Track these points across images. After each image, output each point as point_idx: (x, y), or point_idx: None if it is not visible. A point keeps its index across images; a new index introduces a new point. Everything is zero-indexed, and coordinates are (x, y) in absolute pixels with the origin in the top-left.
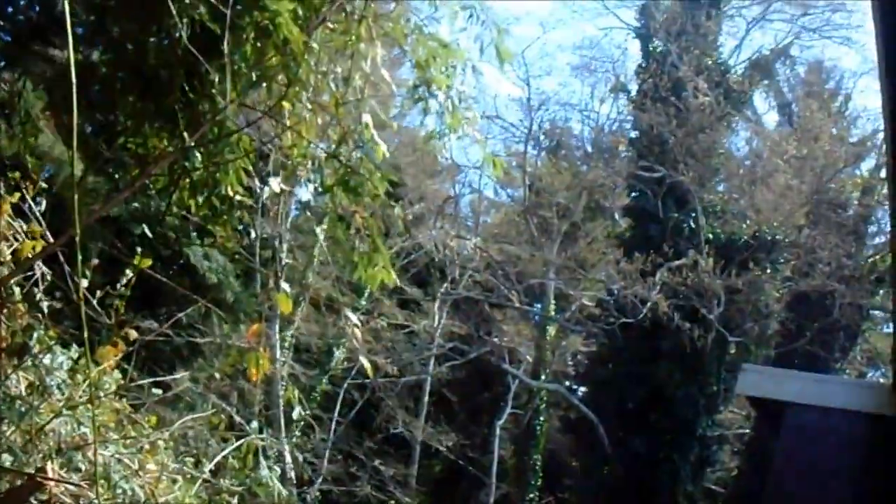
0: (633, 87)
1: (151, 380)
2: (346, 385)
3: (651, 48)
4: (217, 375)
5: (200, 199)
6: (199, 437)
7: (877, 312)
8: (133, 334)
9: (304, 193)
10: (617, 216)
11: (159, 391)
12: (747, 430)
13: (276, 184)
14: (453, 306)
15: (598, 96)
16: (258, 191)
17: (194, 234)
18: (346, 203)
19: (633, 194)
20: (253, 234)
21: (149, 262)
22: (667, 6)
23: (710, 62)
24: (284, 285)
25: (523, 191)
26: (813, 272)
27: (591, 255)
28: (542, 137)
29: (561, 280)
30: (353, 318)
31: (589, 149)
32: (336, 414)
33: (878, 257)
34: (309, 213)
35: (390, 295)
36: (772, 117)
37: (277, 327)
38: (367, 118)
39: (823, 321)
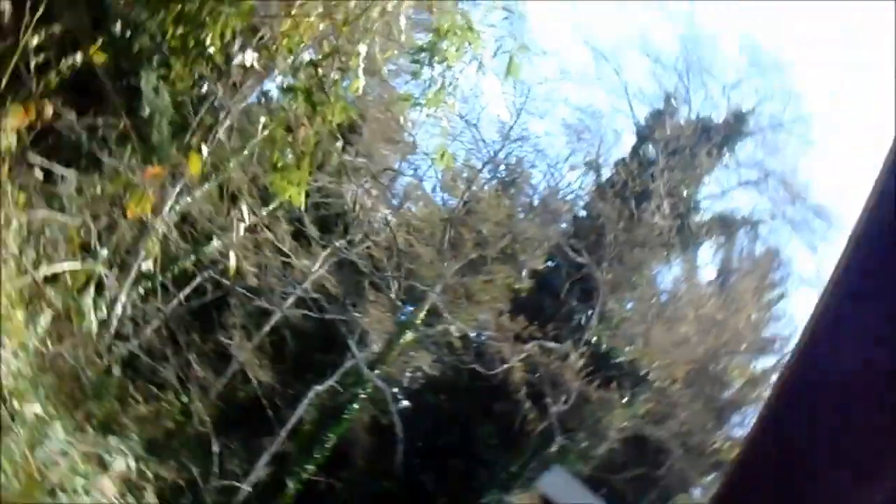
0: (606, 173)
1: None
2: (206, 274)
3: (642, 149)
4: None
5: (181, 30)
6: (52, 241)
7: (697, 492)
8: (49, 111)
9: (272, 86)
10: (524, 274)
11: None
12: None
13: (250, 57)
14: (338, 264)
15: (571, 162)
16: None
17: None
18: (300, 112)
19: (549, 263)
20: (203, 90)
21: (104, 57)
22: (679, 121)
23: (684, 192)
24: (204, 148)
25: (457, 203)
26: (662, 425)
27: (481, 294)
28: (501, 167)
29: (444, 298)
30: (246, 212)
31: (535, 202)
32: (183, 296)
33: (724, 446)
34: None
35: (291, 221)
36: (707, 273)
37: (178, 188)
38: (363, 49)
39: (648, 470)
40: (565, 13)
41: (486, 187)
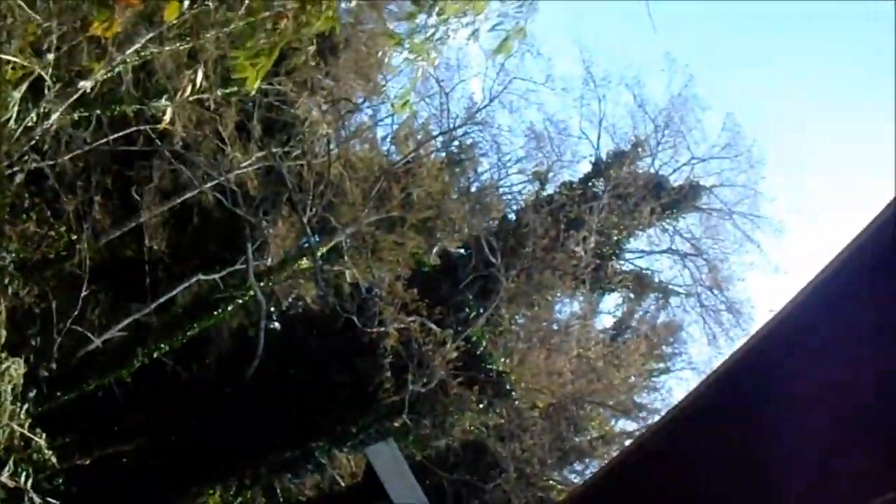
0: (549, 189)
1: None
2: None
3: (592, 181)
4: None
5: None
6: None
7: None
8: None
9: None
10: (434, 251)
11: None
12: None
13: None
14: (267, 170)
15: (521, 165)
16: None
17: None
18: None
19: (461, 251)
20: None
21: None
22: (637, 169)
23: (614, 237)
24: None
25: (400, 159)
26: (505, 443)
27: (388, 253)
28: (455, 143)
29: (351, 241)
30: (201, 77)
31: (472, 188)
32: (112, 137)
33: (556, 487)
34: None
35: (239, 112)
36: (604, 321)
37: (150, 35)
38: None
39: (474, 481)
40: (571, 25)
41: (433, 156)
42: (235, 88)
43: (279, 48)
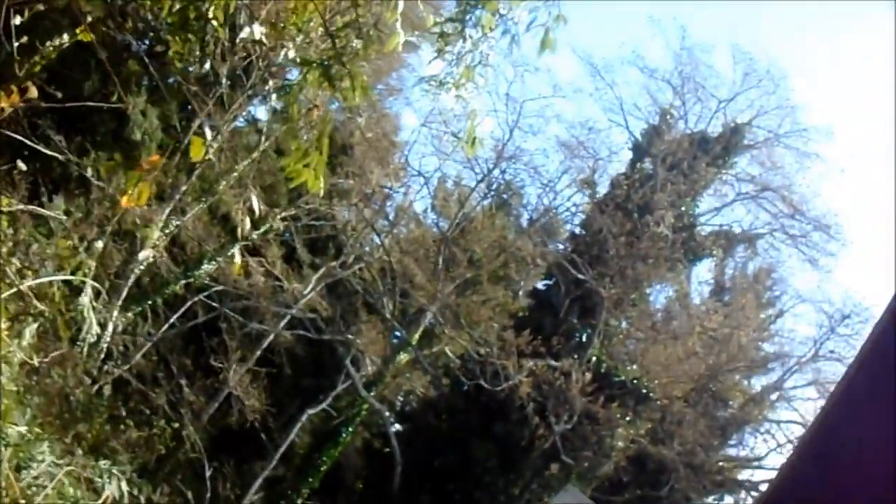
0: (602, 190)
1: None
2: (197, 298)
3: (640, 164)
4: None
5: (178, 4)
6: (41, 252)
7: None
8: (33, 92)
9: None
10: (521, 294)
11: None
12: None
13: (258, 31)
14: (330, 287)
15: (565, 179)
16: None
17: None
18: (311, 93)
19: (546, 282)
20: (206, 67)
21: (90, 37)
22: (675, 134)
23: (683, 207)
24: (208, 131)
25: (451, 222)
26: (665, 443)
27: (479, 313)
28: (494, 187)
29: (440, 318)
30: (256, 203)
31: (528, 220)
32: (174, 319)
33: (728, 465)
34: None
35: (281, 245)
36: (699, 288)
37: (169, 209)
38: (400, 3)
39: (649, 491)
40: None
41: (478, 207)
42: (268, 225)
43: (326, 137)
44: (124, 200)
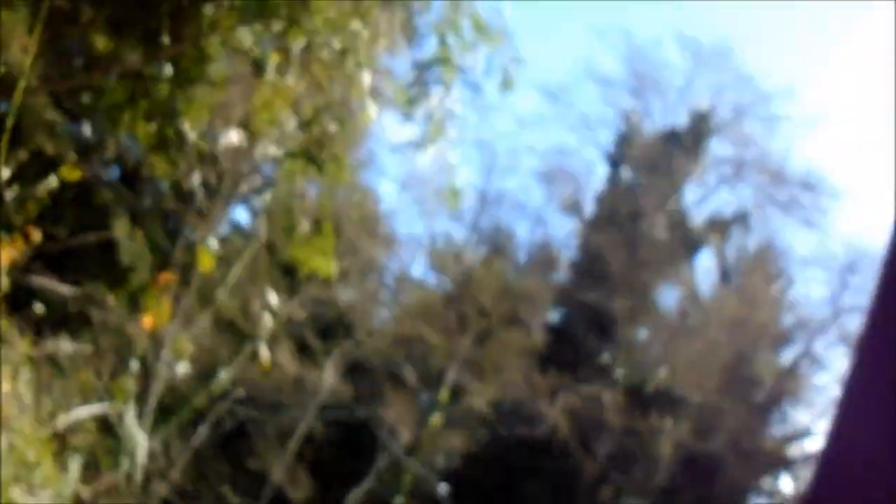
0: (589, 209)
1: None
2: (222, 406)
3: (618, 174)
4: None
5: (154, 126)
6: (65, 392)
7: (757, 501)
8: (37, 236)
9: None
10: (535, 330)
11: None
12: None
13: (235, 136)
14: (348, 368)
15: (551, 208)
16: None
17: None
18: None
19: (558, 313)
20: (195, 180)
21: (77, 174)
22: (646, 136)
23: (672, 204)
24: (212, 241)
25: (452, 278)
26: (710, 437)
27: (499, 359)
28: (485, 233)
29: (463, 373)
30: (274, 298)
31: (525, 258)
32: (203, 430)
33: (776, 444)
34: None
35: (291, 338)
36: (704, 279)
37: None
38: (366, 79)
39: (705, 488)
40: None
41: (474, 257)
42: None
43: (329, 220)
44: (147, 321)
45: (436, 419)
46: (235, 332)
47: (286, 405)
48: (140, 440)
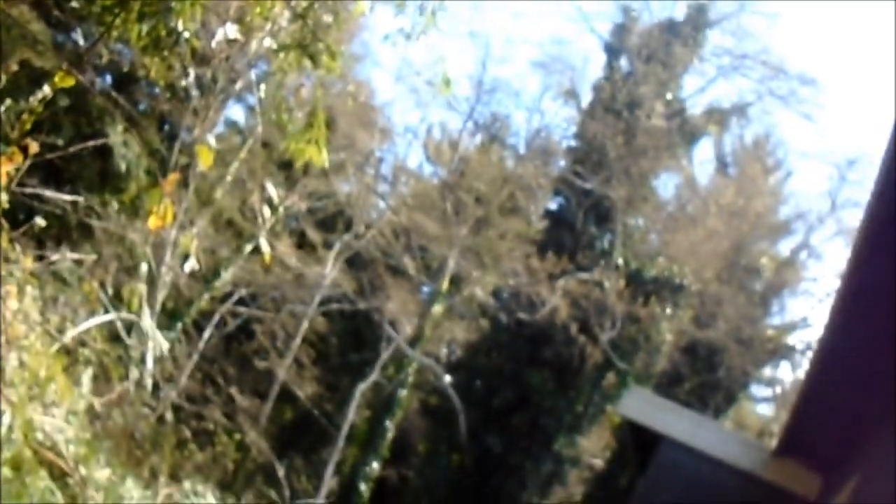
0: (586, 99)
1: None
2: (225, 307)
3: (616, 64)
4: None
5: (146, 28)
6: (71, 304)
7: (756, 389)
8: (34, 147)
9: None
10: (534, 218)
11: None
12: (599, 461)
13: (231, 30)
14: (349, 262)
15: (547, 97)
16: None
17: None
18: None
19: (557, 200)
20: (190, 79)
21: (71, 81)
22: (644, 27)
23: (670, 93)
24: (210, 138)
25: (448, 167)
26: (710, 325)
27: (498, 247)
28: (481, 122)
29: (463, 262)
30: (272, 191)
31: (522, 147)
32: (208, 334)
33: (775, 333)
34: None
35: (291, 233)
36: (702, 170)
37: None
38: None
39: (706, 376)
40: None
41: (471, 146)
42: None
43: (321, 111)
44: (151, 222)
45: (438, 310)
46: (235, 231)
47: (289, 300)
48: (161, 341)
